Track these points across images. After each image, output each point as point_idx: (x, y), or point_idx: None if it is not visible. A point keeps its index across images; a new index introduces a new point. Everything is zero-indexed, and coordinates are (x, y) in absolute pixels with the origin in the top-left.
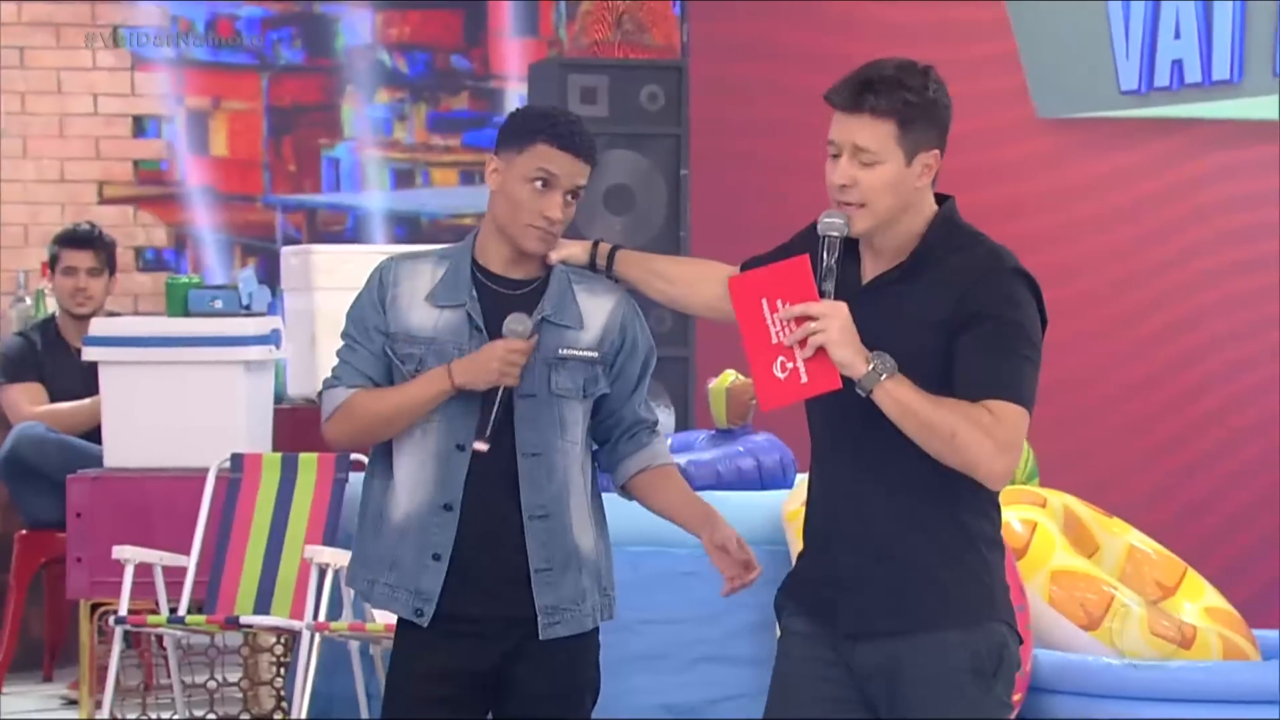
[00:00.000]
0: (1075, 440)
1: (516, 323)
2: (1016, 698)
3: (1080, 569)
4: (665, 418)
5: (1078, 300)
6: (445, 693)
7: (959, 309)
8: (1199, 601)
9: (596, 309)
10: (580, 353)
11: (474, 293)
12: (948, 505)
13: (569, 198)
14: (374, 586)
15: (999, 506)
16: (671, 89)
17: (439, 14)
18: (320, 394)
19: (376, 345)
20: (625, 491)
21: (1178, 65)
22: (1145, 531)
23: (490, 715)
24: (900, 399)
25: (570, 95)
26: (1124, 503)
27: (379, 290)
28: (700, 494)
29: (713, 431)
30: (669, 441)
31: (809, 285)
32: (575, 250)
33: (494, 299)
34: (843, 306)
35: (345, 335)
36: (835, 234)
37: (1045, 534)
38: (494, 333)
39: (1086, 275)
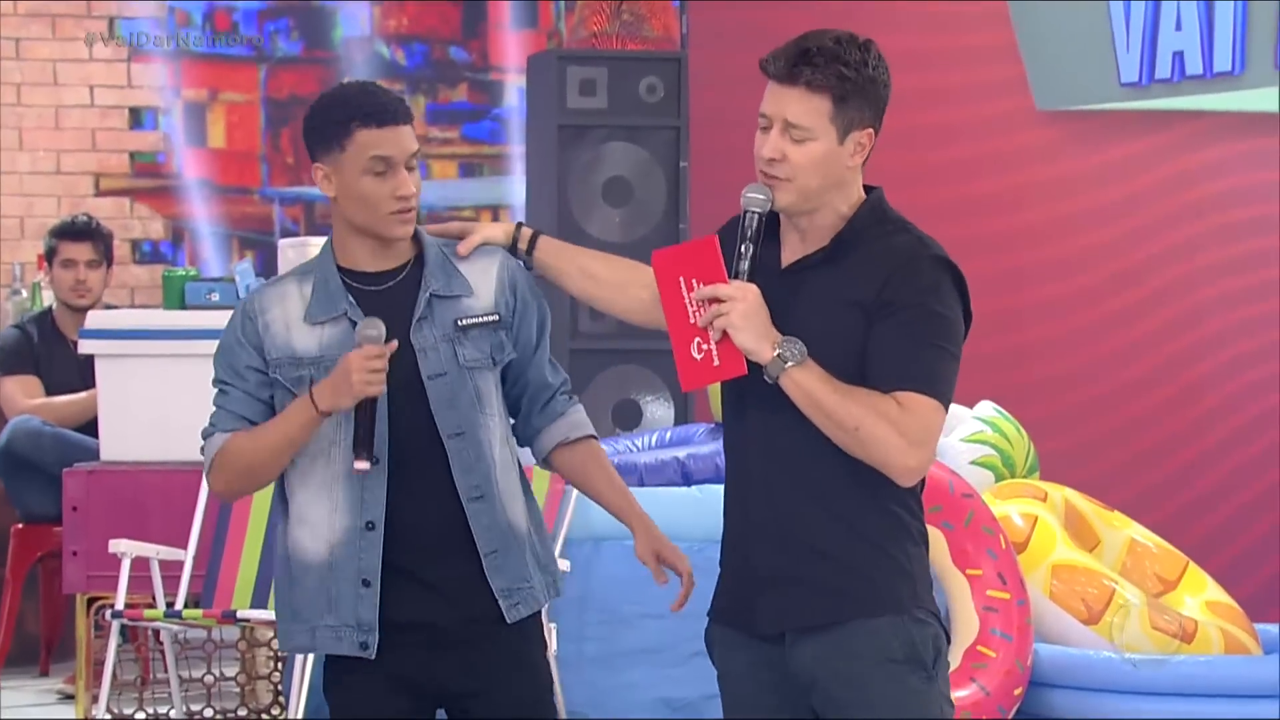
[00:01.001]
0: (1074, 435)
1: (369, 327)
2: (1017, 692)
3: (1081, 563)
4: (664, 411)
5: (1077, 293)
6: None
7: (879, 294)
8: (1200, 596)
9: (481, 273)
10: (481, 319)
11: (350, 299)
12: (867, 494)
13: (411, 167)
14: (315, 634)
15: (919, 498)
16: (671, 81)
17: (437, 5)
18: (201, 448)
19: (250, 383)
20: (548, 465)
21: (1179, 57)
22: (1146, 527)
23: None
24: (806, 387)
25: (569, 87)
26: (1124, 499)
27: (244, 326)
28: (701, 486)
29: (712, 425)
30: (668, 435)
31: (718, 265)
32: (495, 233)
33: (371, 298)
34: (751, 289)
35: (216, 382)
36: (756, 209)
37: (1046, 528)
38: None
39: (1086, 267)
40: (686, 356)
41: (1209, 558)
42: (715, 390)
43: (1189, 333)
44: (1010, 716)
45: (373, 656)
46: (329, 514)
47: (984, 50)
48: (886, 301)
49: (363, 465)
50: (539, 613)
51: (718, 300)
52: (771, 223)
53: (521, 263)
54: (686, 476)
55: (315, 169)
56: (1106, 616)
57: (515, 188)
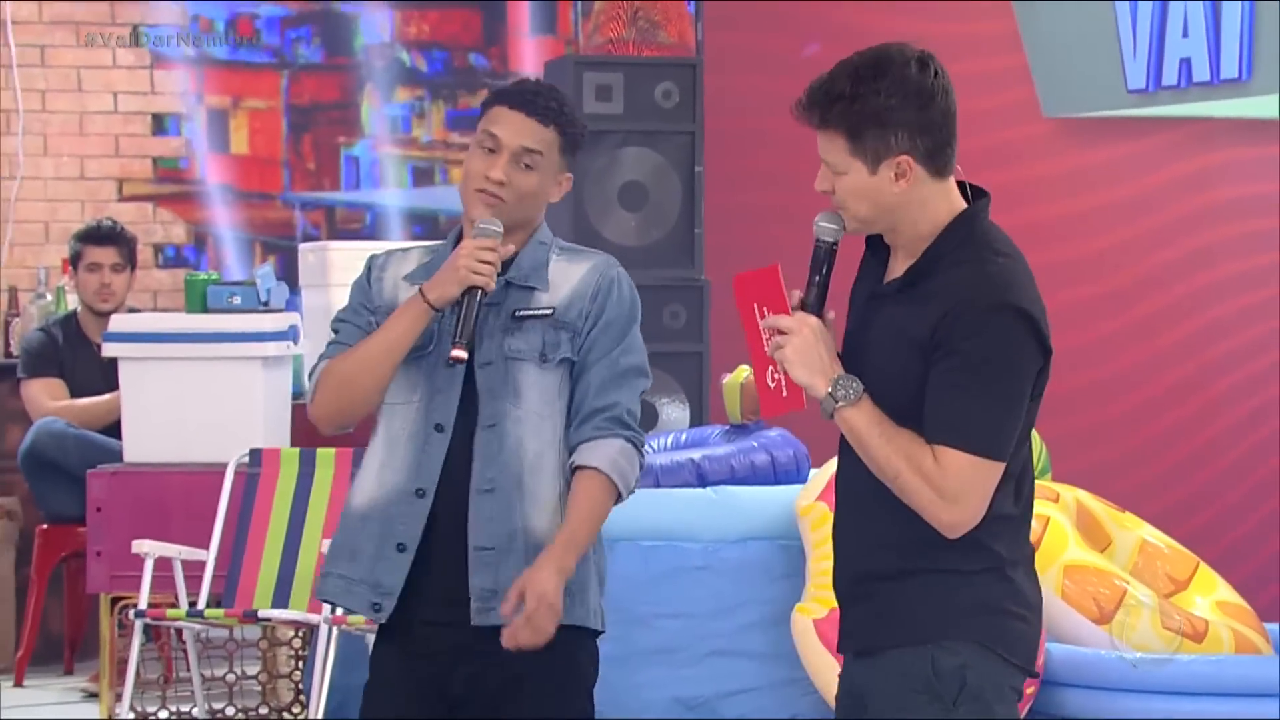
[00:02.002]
0: (1079, 429)
1: (488, 223)
2: (1030, 690)
3: (1093, 563)
4: (680, 413)
5: (1084, 298)
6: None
7: (932, 336)
8: (1211, 596)
9: (571, 273)
10: (535, 311)
11: None
12: (912, 523)
13: (522, 165)
14: (327, 579)
15: (994, 528)
16: (685, 86)
17: (458, 12)
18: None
19: (363, 320)
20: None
21: (1185, 64)
22: (1149, 520)
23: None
24: (854, 428)
25: (585, 92)
26: (1127, 490)
27: (366, 275)
28: (716, 488)
29: (727, 426)
30: (683, 436)
31: (781, 294)
32: None
33: None
34: (809, 323)
35: (335, 321)
36: (827, 238)
37: (1058, 528)
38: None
39: (1092, 272)
40: (763, 384)
41: (1207, 547)
42: (732, 395)
43: (1203, 345)
44: (1023, 715)
45: (384, 620)
46: (380, 469)
47: (990, 57)
48: (937, 344)
49: (460, 353)
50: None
51: (780, 331)
52: (881, 243)
53: (628, 280)
54: (701, 478)
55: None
56: (1118, 616)
57: None
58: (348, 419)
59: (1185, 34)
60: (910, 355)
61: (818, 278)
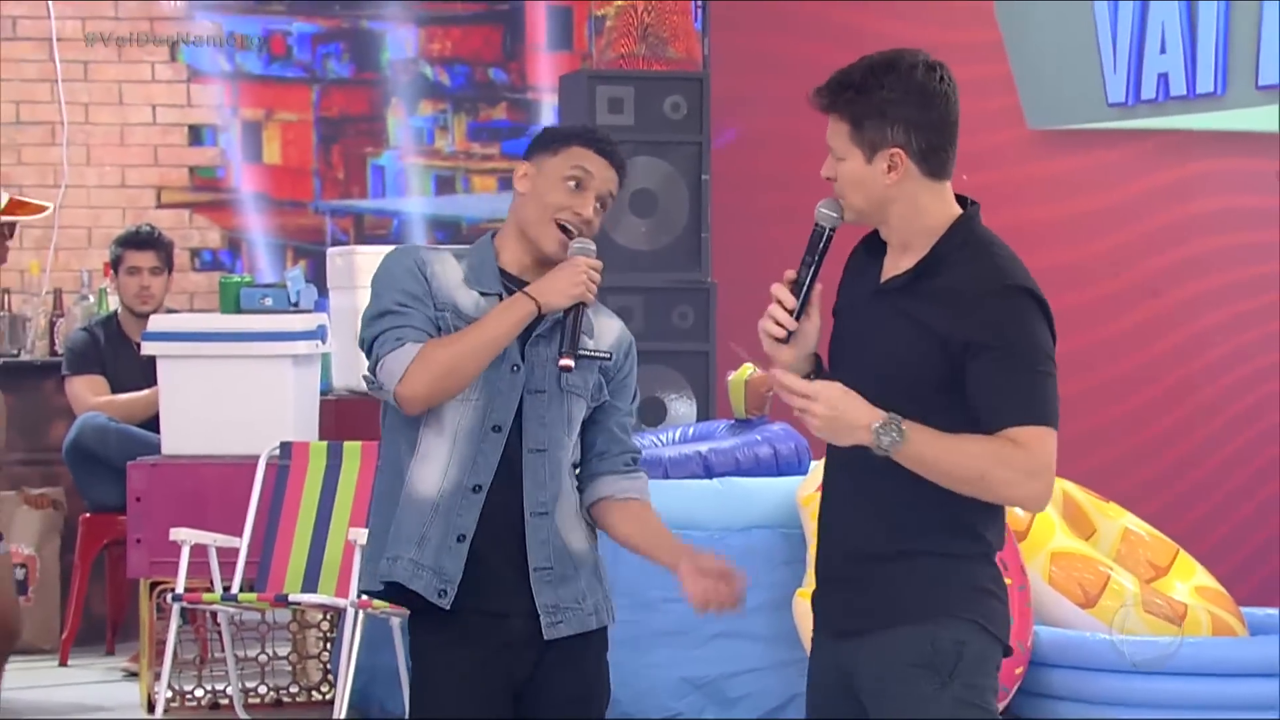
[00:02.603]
0: (1072, 434)
1: (584, 244)
2: (1018, 671)
3: (1078, 550)
4: (687, 408)
5: (1069, 305)
6: (477, 692)
7: (958, 326)
8: (1190, 581)
9: (607, 326)
10: (594, 353)
11: (504, 284)
12: (913, 500)
13: (599, 205)
14: (396, 563)
15: (978, 508)
16: (693, 99)
17: (479, 29)
18: (378, 364)
19: (428, 309)
20: (587, 513)
21: (1163, 78)
22: (1139, 517)
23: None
24: (921, 458)
25: (598, 105)
26: (1117, 493)
27: (415, 269)
28: (722, 479)
29: (732, 421)
30: (690, 430)
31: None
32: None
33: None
34: (827, 393)
35: (392, 303)
36: (825, 224)
37: (1045, 518)
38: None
39: (1077, 279)
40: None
41: (1196, 544)
42: (737, 391)
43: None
44: (1011, 694)
45: (448, 607)
46: (445, 463)
47: (977, 70)
48: (970, 338)
49: (568, 362)
50: (599, 632)
51: (804, 395)
52: (877, 240)
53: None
54: (708, 469)
55: (518, 165)
56: (1102, 600)
57: None
58: (440, 401)
59: (1163, 50)
60: (929, 345)
61: (812, 259)
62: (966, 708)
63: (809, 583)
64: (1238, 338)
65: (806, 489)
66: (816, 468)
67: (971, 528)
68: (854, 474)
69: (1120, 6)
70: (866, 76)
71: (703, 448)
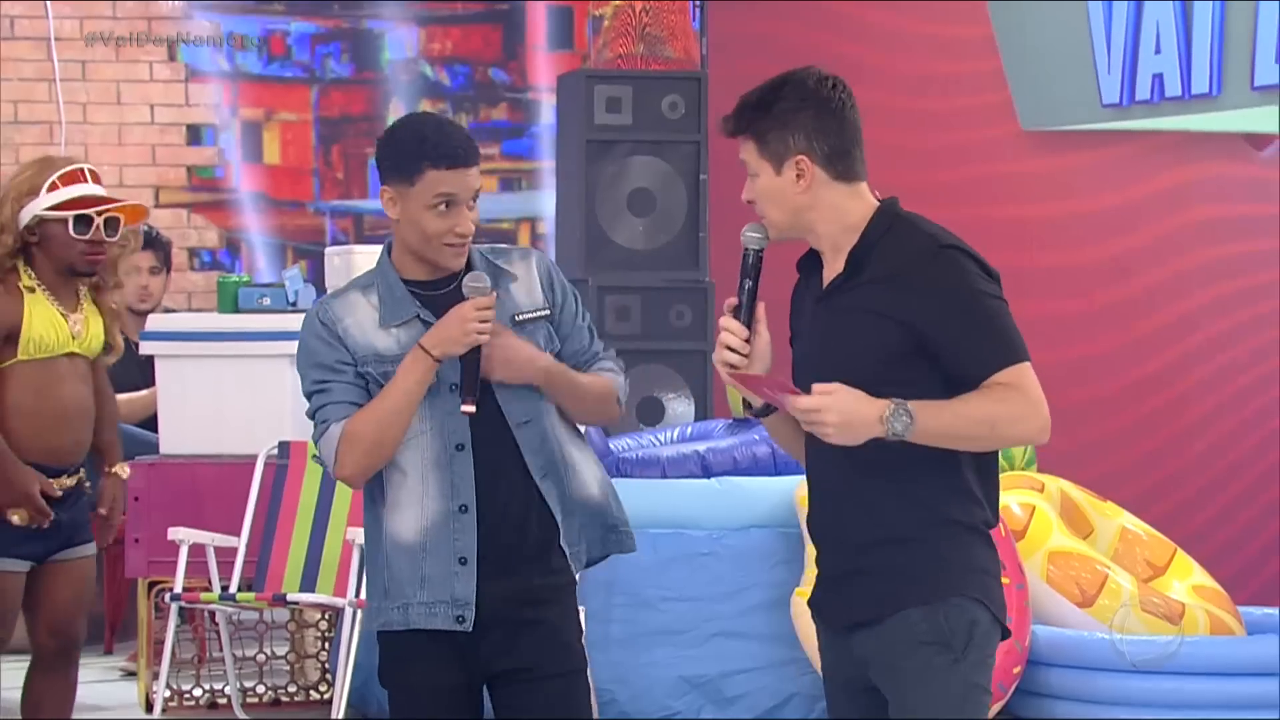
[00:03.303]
0: (1071, 440)
1: (475, 280)
2: (1016, 670)
3: (1076, 550)
4: (685, 408)
5: (1064, 307)
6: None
7: (903, 302)
8: (1187, 580)
9: (524, 272)
10: (535, 313)
11: (418, 303)
12: (906, 488)
13: (472, 203)
14: (409, 610)
15: (971, 489)
16: (691, 98)
17: (479, 29)
18: (317, 449)
19: (348, 375)
20: None
21: (1158, 79)
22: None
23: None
24: (932, 432)
25: (596, 105)
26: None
27: (325, 331)
28: (720, 478)
29: (730, 421)
30: (688, 430)
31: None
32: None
33: (436, 301)
34: (832, 400)
35: (311, 383)
36: (752, 246)
37: (1043, 517)
38: None
39: (1072, 281)
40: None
41: (1197, 549)
42: (734, 390)
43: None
44: (1010, 694)
45: (469, 629)
46: (421, 499)
47: (971, 71)
48: (919, 309)
49: (469, 408)
50: (576, 602)
51: (813, 410)
52: (812, 256)
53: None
54: (706, 469)
55: (383, 190)
56: (1100, 600)
57: (548, 200)
58: (379, 467)
59: (1158, 51)
60: (884, 330)
61: (748, 284)
62: (973, 687)
63: (807, 582)
64: (1236, 344)
65: (804, 488)
66: None
67: (966, 509)
68: (842, 471)
69: (1114, 6)
70: (764, 94)
71: (701, 447)
